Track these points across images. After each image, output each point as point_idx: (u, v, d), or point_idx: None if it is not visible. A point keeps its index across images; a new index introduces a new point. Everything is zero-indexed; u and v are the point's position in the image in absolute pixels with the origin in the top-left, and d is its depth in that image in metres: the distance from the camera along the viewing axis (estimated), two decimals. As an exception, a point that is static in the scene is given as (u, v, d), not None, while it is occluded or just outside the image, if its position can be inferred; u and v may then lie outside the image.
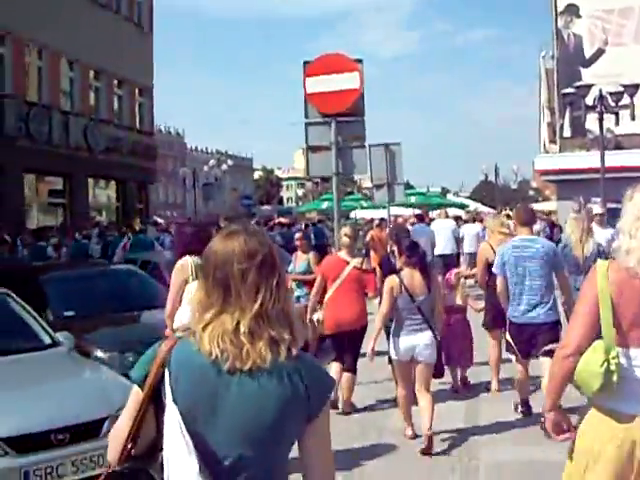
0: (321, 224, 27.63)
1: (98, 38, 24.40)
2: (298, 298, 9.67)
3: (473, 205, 35.84)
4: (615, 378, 2.92)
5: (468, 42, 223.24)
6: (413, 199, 30.66)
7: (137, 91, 28.93)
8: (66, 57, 23.91)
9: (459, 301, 8.31)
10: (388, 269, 7.35)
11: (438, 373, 6.95)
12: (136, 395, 2.14)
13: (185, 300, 6.24)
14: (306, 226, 24.50)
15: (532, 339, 6.65)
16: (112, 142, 25.80)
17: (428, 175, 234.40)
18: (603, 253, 7.90)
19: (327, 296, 7.63)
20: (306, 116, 9.06)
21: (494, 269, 7.06)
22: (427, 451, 6.14)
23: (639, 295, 2.95)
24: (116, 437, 2.17)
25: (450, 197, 47.31)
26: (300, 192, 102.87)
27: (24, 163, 20.84)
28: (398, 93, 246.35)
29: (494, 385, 7.98)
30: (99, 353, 7.45)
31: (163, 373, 2.09)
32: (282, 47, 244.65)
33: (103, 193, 27.92)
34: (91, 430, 4.95)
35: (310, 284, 9.39)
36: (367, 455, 6.20)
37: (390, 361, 6.89)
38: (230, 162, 63.70)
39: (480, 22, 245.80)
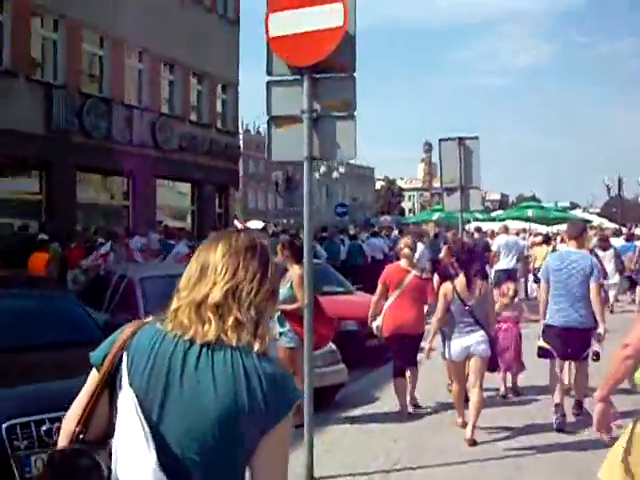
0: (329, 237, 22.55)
1: (173, 28, 22.17)
2: (280, 335, 7.49)
3: (597, 221, 31.82)
4: None
5: (607, 54, 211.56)
6: (530, 212, 28.14)
7: (219, 87, 26.47)
8: (130, 45, 21.60)
9: (510, 312, 8.69)
10: (443, 277, 7.97)
11: (492, 367, 7.42)
12: (93, 377, 2.03)
13: None
14: (286, 232, 21.13)
15: (568, 343, 7.27)
16: (187, 141, 23.56)
17: (561, 190, 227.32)
18: None
19: (387, 303, 7.88)
20: (269, 72, 5.87)
21: (539, 274, 8.04)
22: (471, 442, 6.78)
23: None
24: (68, 419, 2.04)
25: (576, 212, 43.52)
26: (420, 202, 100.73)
27: (76, 160, 18.90)
28: (535, 104, 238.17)
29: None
30: None
31: (122, 356, 1.96)
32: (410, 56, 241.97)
33: (175, 196, 25.48)
34: None
35: (293, 317, 7.32)
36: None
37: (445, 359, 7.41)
38: (342, 169, 61.48)
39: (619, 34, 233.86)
